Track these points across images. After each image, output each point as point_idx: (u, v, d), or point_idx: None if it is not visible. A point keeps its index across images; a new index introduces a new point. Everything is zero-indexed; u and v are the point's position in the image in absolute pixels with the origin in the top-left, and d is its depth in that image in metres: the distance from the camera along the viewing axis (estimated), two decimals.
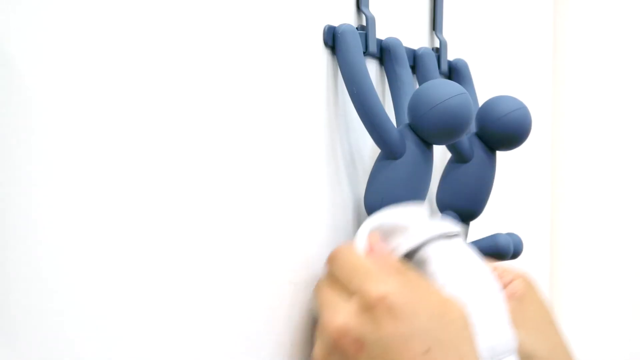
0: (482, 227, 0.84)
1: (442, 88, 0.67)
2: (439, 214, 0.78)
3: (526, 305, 0.72)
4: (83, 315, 0.50)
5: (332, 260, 0.62)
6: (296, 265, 0.65)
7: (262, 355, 0.62)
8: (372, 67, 0.73)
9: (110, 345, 0.52)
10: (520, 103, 0.77)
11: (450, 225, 0.67)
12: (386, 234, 0.65)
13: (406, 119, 0.70)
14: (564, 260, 1.09)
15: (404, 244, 0.64)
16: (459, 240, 0.68)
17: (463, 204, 0.77)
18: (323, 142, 0.67)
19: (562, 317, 1.09)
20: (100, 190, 0.51)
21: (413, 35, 0.79)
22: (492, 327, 0.64)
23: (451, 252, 0.66)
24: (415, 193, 0.69)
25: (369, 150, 0.72)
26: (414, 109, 0.67)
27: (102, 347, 0.51)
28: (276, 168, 0.63)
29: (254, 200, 0.61)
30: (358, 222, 0.71)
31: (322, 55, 0.67)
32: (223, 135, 0.59)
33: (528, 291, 0.74)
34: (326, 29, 0.67)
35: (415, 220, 0.65)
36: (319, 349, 0.60)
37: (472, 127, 0.79)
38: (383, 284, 0.59)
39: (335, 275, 0.62)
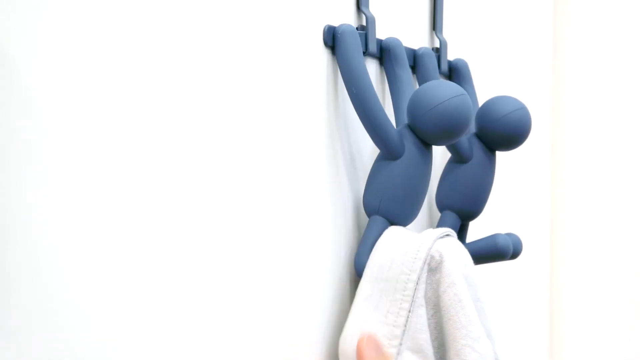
0: (481, 227, 0.84)
1: (442, 89, 0.67)
2: (439, 214, 0.78)
3: None
4: (83, 316, 0.50)
5: None
6: (296, 264, 0.65)
7: None
8: (372, 67, 0.73)
9: (110, 346, 0.52)
10: (520, 103, 0.77)
11: (437, 231, 0.67)
12: (384, 287, 0.66)
13: (406, 120, 0.70)
14: (564, 260, 1.09)
15: (406, 294, 0.66)
16: (452, 239, 0.68)
17: (462, 204, 0.77)
18: (323, 142, 0.67)
19: (563, 317, 1.09)
20: (100, 191, 0.51)
21: (413, 35, 0.79)
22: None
23: (451, 252, 0.67)
24: (414, 194, 0.69)
25: (369, 150, 0.72)
26: (413, 110, 0.67)
27: (102, 347, 0.51)
28: (275, 168, 0.63)
29: (253, 200, 0.61)
30: (358, 222, 0.71)
31: (322, 55, 0.67)
32: (222, 135, 0.59)
33: None
34: (326, 29, 0.67)
35: (403, 262, 0.66)
36: None
37: (472, 128, 0.79)
38: None
39: None
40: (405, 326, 0.65)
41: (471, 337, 0.65)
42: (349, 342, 0.65)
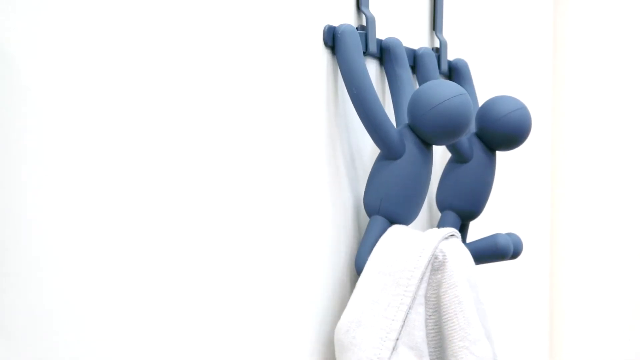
0: (482, 227, 0.84)
1: (442, 88, 0.67)
2: (439, 214, 0.78)
3: None
4: (83, 317, 0.50)
5: None
6: (296, 264, 0.65)
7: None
8: (372, 67, 0.73)
9: (109, 346, 0.52)
10: (520, 103, 0.77)
11: (442, 231, 0.68)
12: (386, 282, 0.66)
13: (406, 119, 0.70)
14: (564, 260, 1.09)
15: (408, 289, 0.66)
16: (457, 240, 0.68)
17: (463, 204, 0.77)
18: (323, 142, 0.67)
19: (563, 317, 1.09)
20: (100, 191, 0.51)
21: (413, 35, 0.79)
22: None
23: (454, 253, 0.67)
24: (415, 193, 0.69)
25: (369, 150, 0.72)
26: (413, 110, 0.67)
27: (102, 347, 0.51)
28: (276, 168, 0.63)
29: (254, 199, 0.61)
30: (358, 222, 0.71)
31: (322, 55, 0.67)
32: (222, 135, 0.59)
33: None
34: (326, 29, 0.67)
35: (406, 264, 0.66)
36: None
37: (472, 127, 0.79)
38: None
39: None
40: (404, 321, 0.65)
41: (469, 340, 0.65)
42: (344, 331, 0.65)
